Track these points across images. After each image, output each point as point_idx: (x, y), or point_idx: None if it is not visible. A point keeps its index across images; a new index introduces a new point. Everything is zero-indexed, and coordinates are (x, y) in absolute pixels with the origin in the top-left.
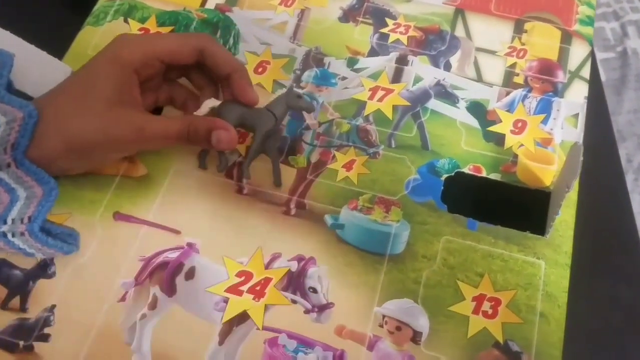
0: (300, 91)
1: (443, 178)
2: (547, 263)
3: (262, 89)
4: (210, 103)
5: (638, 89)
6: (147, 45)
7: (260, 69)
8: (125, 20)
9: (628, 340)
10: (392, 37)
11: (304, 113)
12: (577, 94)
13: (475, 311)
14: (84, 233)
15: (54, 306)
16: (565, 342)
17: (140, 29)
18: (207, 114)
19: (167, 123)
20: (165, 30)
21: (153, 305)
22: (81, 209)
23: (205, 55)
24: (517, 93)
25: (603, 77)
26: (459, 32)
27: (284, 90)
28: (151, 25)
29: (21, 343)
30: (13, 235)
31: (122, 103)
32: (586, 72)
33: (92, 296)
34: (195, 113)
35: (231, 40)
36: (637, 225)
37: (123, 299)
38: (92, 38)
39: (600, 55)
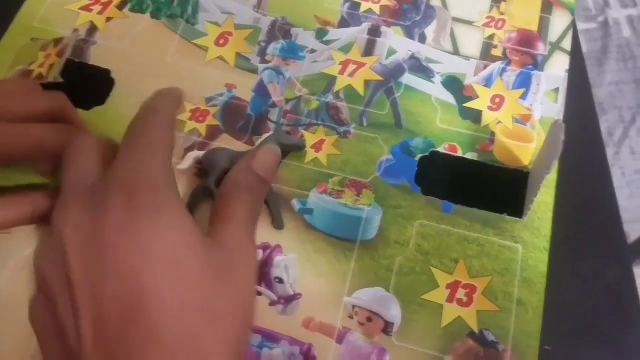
0: (287, 128)
1: (417, 158)
2: (524, 247)
3: (224, 62)
4: (194, 154)
5: (619, 60)
6: None
7: (221, 41)
8: None
9: (612, 322)
10: (364, 5)
11: (269, 87)
12: (558, 67)
13: (450, 299)
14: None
15: None
16: (544, 325)
17: None
18: (192, 166)
19: None
20: None
21: None
22: None
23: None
24: (495, 66)
25: (584, 48)
26: (435, 0)
27: (270, 133)
28: None
29: None
30: None
31: None
32: (567, 43)
33: None
34: (179, 167)
35: (190, 10)
36: (618, 201)
37: None
38: (39, 8)
39: (581, 26)
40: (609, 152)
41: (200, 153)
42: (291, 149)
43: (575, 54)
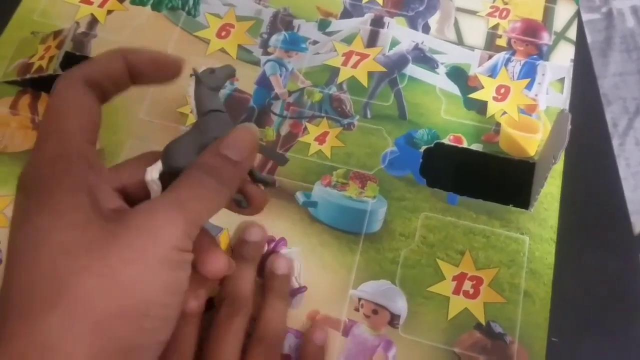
0: (201, 67)
1: (422, 150)
2: (531, 238)
3: (226, 54)
4: (155, 168)
5: (624, 51)
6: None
7: (223, 33)
8: None
9: (615, 313)
10: None
11: (271, 79)
12: (563, 57)
13: (456, 291)
14: None
15: None
16: (551, 317)
17: None
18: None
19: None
20: None
21: None
22: None
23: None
24: (500, 57)
25: (588, 39)
26: None
27: (193, 85)
28: None
29: None
30: None
31: None
32: (572, 33)
33: None
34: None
35: (191, 1)
36: (624, 192)
37: None
38: (39, 2)
39: (585, 17)
40: (614, 143)
41: (159, 165)
42: (224, 81)
43: (581, 44)
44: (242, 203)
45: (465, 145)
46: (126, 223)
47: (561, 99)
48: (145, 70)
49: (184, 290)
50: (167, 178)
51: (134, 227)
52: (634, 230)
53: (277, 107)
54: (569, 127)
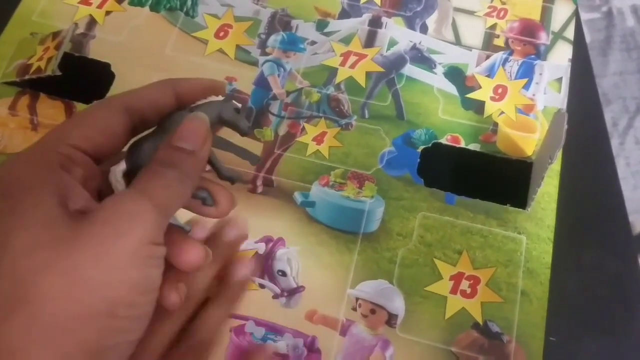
0: (239, 105)
1: (419, 150)
2: (528, 238)
3: (224, 55)
4: (119, 167)
5: (624, 50)
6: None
7: (221, 33)
8: None
9: (614, 311)
10: None
11: (269, 80)
12: (561, 57)
13: (453, 291)
14: None
15: None
16: (549, 316)
17: None
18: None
19: None
20: None
21: None
22: None
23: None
24: (498, 56)
25: (588, 38)
26: None
27: (219, 98)
28: None
29: None
30: None
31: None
32: (570, 32)
33: None
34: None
35: (189, 2)
36: (622, 191)
37: None
38: (38, 3)
39: (584, 16)
40: (614, 142)
41: (122, 165)
42: (233, 128)
43: (579, 43)
44: (207, 200)
45: (462, 145)
46: (92, 217)
47: (559, 99)
48: (196, 100)
49: (156, 288)
50: (132, 178)
51: (100, 220)
52: (634, 230)
53: (275, 107)
54: (566, 126)
